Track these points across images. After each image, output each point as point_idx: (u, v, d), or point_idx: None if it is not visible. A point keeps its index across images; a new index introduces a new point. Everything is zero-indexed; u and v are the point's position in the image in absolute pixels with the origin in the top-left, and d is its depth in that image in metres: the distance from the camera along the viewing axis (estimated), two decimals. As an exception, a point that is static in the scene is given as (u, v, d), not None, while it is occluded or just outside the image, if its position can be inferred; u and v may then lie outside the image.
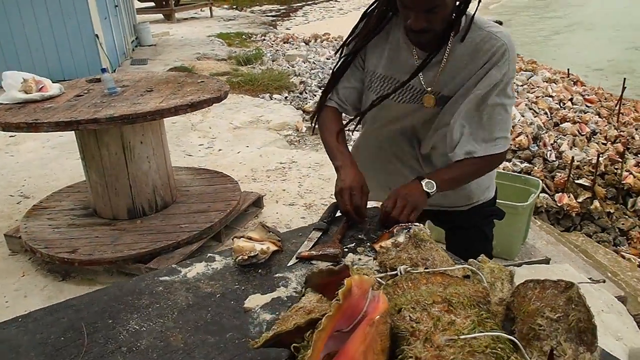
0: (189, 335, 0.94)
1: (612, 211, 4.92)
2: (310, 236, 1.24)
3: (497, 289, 0.91)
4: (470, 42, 1.33)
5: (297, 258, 1.16)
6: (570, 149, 5.56)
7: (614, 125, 6.23)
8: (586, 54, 11.77)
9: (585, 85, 7.61)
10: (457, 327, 0.75)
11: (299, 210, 3.60)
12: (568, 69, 7.73)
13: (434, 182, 1.34)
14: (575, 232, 4.55)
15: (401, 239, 1.14)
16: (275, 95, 6.73)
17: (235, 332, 0.94)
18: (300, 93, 6.89)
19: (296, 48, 10.25)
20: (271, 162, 4.51)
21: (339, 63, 1.49)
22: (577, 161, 5.14)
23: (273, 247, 1.17)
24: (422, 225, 1.17)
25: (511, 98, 1.37)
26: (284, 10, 17.52)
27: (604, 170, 5.14)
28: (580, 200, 4.78)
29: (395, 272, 0.90)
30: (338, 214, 1.36)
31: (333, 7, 18.81)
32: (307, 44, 10.82)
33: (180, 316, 0.99)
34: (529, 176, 3.89)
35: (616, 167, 5.20)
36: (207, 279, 1.11)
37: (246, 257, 1.11)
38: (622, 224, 4.80)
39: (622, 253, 4.32)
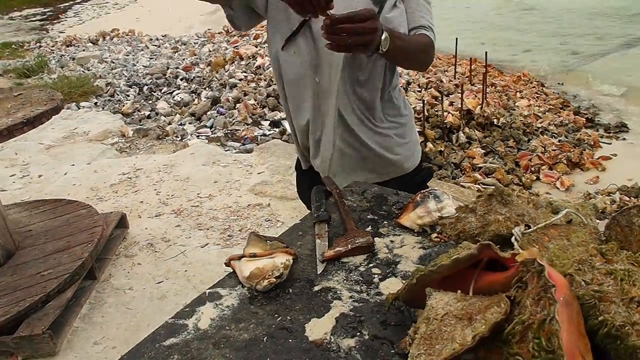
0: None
1: (442, 149, 5.42)
2: (317, 232, 1.01)
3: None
4: None
5: (322, 262, 0.93)
6: (394, 101, 5.95)
7: (419, 73, 6.84)
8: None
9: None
10: (637, 276, 0.63)
11: (170, 219, 3.18)
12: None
13: (389, 39, 1.12)
14: (418, 175, 4.90)
15: (432, 205, 0.98)
16: (82, 103, 5.89)
17: (329, 376, 0.70)
18: (112, 96, 6.14)
19: (84, 50, 9.14)
20: (111, 176, 3.92)
21: None
22: (405, 110, 5.51)
23: (291, 258, 0.91)
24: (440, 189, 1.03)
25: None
26: (50, 13, 15.45)
27: (428, 114, 5.60)
28: (416, 145, 5.14)
29: (512, 236, 0.74)
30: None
31: (107, 2, 17.20)
32: (94, 43, 9.72)
33: (235, 384, 0.70)
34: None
35: (436, 109, 5.72)
36: (232, 321, 0.81)
37: (273, 279, 0.84)
38: (454, 158, 5.31)
39: (462, 184, 4.79)
